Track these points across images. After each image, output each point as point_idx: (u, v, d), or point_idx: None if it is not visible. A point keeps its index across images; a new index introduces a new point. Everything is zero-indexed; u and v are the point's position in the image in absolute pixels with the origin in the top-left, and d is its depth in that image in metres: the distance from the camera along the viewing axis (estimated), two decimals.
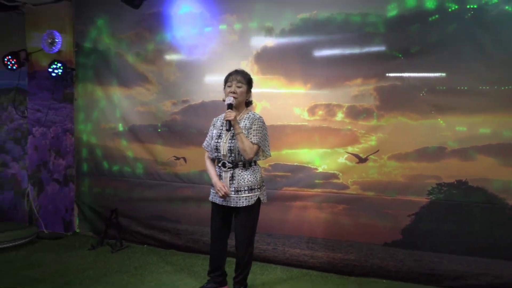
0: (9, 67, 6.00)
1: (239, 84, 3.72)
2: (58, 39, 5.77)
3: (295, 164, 4.83)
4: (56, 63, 5.74)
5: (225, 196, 3.62)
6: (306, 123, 4.75)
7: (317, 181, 4.74)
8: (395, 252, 4.45)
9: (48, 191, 6.12)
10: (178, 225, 5.42)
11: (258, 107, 4.92)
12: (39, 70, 6.07)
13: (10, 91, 6.57)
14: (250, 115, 3.71)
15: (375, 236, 4.52)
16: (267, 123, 4.70)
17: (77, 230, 6.10)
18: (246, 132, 3.62)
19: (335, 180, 4.67)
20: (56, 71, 5.76)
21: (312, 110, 4.73)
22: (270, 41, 4.86)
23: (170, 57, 5.41)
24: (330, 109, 4.65)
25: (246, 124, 3.66)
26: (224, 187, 3.63)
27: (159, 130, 5.49)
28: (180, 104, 5.35)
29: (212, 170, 3.80)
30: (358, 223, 4.60)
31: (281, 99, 4.84)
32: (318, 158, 4.73)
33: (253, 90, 4.77)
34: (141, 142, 5.61)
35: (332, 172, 4.68)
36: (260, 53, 4.92)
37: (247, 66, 4.93)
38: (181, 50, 5.34)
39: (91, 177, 6.01)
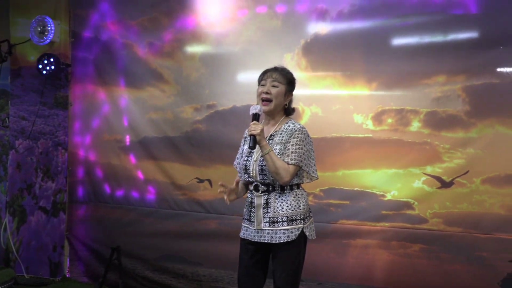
0: None
1: (275, 83, 3.65)
2: (51, 26, 5.99)
3: (355, 189, 4.82)
4: (47, 57, 5.95)
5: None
6: (370, 135, 4.76)
7: (384, 212, 4.72)
8: None
9: (32, 223, 6.29)
10: (200, 269, 5.46)
11: (307, 113, 4.97)
12: (25, 66, 6.31)
13: None
14: (289, 126, 3.63)
15: None
16: (318, 134, 4.76)
17: (67, 275, 6.22)
18: (283, 148, 3.57)
19: (408, 211, 4.64)
20: (47, 67, 5.98)
21: (378, 118, 4.74)
22: (324, 27, 4.92)
23: (192, 48, 5.54)
24: (402, 116, 4.66)
25: (283, 138, 3.61)
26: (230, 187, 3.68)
27: (177, 143, 5.59)
28: (205, 109, 5.45)
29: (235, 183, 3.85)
30: (440, 270, 4.53)
31: (338, 103, 4.88)
32: (386, 181, 4.72)
33: (300, 91, 4.77)
34: (154, 159, 5.72)
35: (405, 200, 4.66)
36: (310, 43, 4.98)
37: (293, 60, 5.00)
38: (207, 40, 5.47)
39: (88, 205, 6.15)
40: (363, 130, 4.79)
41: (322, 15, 4.93)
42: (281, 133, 3.60)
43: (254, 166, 3.59)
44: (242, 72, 5.31)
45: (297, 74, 4.78)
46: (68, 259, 6.25)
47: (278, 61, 4.83)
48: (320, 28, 4.94)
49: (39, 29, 6.02)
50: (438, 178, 4.56)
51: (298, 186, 3.63)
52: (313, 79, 4.96)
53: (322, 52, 4.92)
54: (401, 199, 4.67)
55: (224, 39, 5.37)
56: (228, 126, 5.27)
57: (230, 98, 5.32)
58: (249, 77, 5.17)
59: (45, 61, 5.97)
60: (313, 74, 4.96)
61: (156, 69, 5.71)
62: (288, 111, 3.73)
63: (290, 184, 3.56)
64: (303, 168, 3.55)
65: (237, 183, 3.78)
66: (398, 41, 4.70)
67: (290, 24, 5.06)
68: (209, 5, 5.44)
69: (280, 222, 3.54)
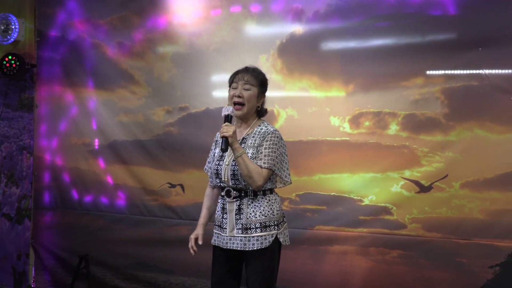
0: None
1: (247, 86, 3.57)
2: (15, 25, 5.87)
3: (332, 194, 4.80)
4: (10, 57, 5.82)
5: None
6: (347, 138, 4.74)
7: (362, 217, 4.71)
8: None
9: None
10: (171, 277, 5.40)
11: (282, 116, 4.93)
12: None
13: None
14: (261, 129, 3.58)
15: None
16: (294, 137, 4.75)
17: (32, 285, 6.09)
18: (255, 151, 3.53)
19: (387, 216, 4.64)
20: (10, 67, 5.84)
21: (355, 121, 4.73)
22: (300, 28, 4.89)
23: (164, 49, 5.47)
24: (380, 118, 4.65)
25: (256, 141, 3.55)
26: (194, 241, 3.66)
27: (148, 147, 5.52)
28: (177, 112, 5.40)
29: (204, 207, 3.79)
30: (419, 277, 4.54)
31: (314, 105, 4.86)
32: (364, 186, 4.72)
33: (276, 93, 4.80)
34: (124, 163, 5.65)
35: (383, 205, 4.65)
36: (285, 43, 4.95)
37: (268, 61, 4.96)
38: (179, 40, 5.40)
39: (54, 211, 6.03)
40: (340, 133, 4.77)
41: (297, 15, 4.90)
42: (253, 136, 3.55)
43: (226, 171, 3.53)
44: (215, 74, 5.26)
45: (272, 75, 4.87)
46: (33, 268, 6.12)
47: (253, 62, 4.76)
48: (296, 28, 4.91)
49: (2, 27, 5.91)
50: (416, 183, 4.56)
51: (272, 191, 3.59)
52: (289, 81, 4.93)
53: (297, 53, 4.90)
54: (379, 204, 4.67)
55: (197, 39, 5.30)
56: (201, 129, 5.22)
57: (203, 100, 5.27)
58: (222, 79, 5.02)
59: (9, 61, 5.84)
60: (288, 76, 4.94)
61: (126, 70, 5.63)
62: (261, 113, 3.67)
63: (263, 189, 3.52)
64: (275, 172, 3.50)
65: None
66: (376, 42, 4.68)
67: (265, 24, 5.04)
68: (181, 4, 5.37)
69: (253, 228, 3.49)
